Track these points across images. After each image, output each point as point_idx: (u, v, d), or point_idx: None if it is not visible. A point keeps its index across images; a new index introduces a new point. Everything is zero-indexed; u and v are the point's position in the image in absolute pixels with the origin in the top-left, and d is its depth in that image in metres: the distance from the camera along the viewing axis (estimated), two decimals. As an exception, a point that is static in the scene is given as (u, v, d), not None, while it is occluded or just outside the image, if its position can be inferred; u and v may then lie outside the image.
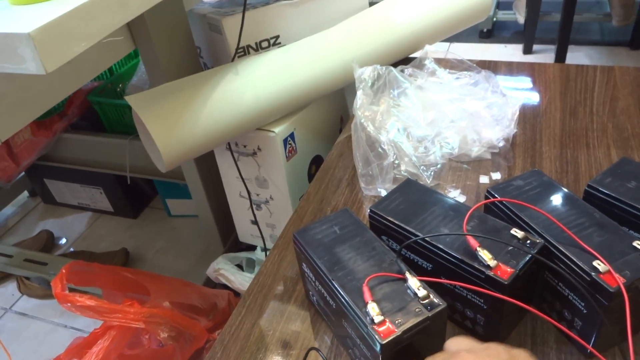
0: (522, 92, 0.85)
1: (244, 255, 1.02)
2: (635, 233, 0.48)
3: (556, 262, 0.44)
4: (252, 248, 1.07)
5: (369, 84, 0.71)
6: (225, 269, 0.94)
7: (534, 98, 0.83)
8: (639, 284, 0.42)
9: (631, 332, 0.38)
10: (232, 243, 1.17)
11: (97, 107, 1.27)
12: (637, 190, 0.48)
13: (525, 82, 0.88)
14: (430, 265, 0.48)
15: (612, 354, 0.46)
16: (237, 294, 0.99)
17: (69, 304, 0.63)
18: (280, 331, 0.53)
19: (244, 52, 0.88)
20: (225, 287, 1.02)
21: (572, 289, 0.44)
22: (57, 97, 0.79)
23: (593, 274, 0.41)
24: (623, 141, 0.71)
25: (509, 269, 0.43)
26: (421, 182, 0.67)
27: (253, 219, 0.97)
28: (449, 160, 0.71)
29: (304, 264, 0.51)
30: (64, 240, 1.51)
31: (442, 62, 0.82)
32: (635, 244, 0.43)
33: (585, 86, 0.84)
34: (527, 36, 1.98)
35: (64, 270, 0.68)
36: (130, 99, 0.74)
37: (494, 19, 2.17)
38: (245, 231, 1.02)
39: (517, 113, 0.73)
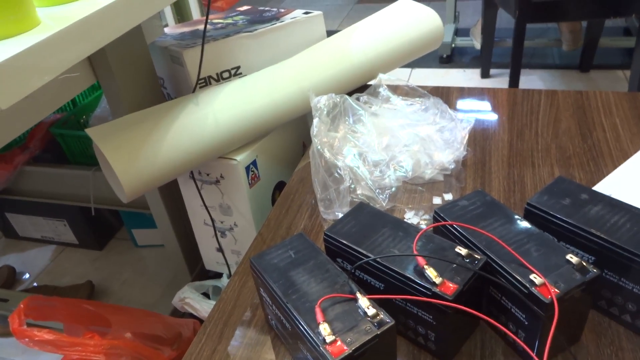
0: (473, 116, 0.89)
1: (210, 283, 1.02)
2: (571, 246, 0.51)
3: (498, 277, 0.47)
4: (219, 276, 1.07)
5: (325, 112, 0.74)
6: (190, 298, 0.94)
7: (484, 121, 0.87)
8: (575, 294, 0.45)
9: (567, 340, 0.41)
10: (199, 271, 1.17)
11: (60, 139, 1.27)
12: (571, 206, 0.52)
13: (476, 106, 0.93)
14: (382, 285, 0.50)
15: (554, 362, 0.48)
16: (203, 322, 0.99)
17: (26, 340, 0.62)
18: (240, 356, 0.53)
19: (205, 82, 0.90)
20: (193, 316, 1.01)
21: (513, 302, 0.47)
22: (16, 131, 0.79)
23: (529, 286, 0.44)
24: (565, 160, 0.75)
25: (453, 285, 0.45)
26: (377, 205, 0.70)
27: (218, 246, 0.97)
28: (403, 183, 0.74)
29: (261, 288, 0.52)
30: (27, 275, 1.47)
31: (396, 90, 0.86)
32: (568, 257, 0.46)
33: (531, 109, 0.89)
34: (483, 61, 2.07)
35: (22, 306, 0.67)
36: (90, 131, 0.75)
37: (453, 45, 2.26)
38: (211, 259, 1.03)
39: (467, 136, 0.76)
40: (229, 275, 1.00)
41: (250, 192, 0.88)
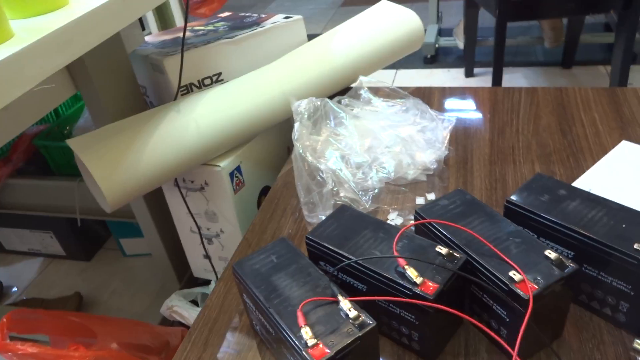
0: (454, 116, 0.89)
1: (198, 290, 1.01)
2: (551, 242, 0.52)
3: (478, 275, 0.47)
4: (208, 283, 1.07)
5: (306, 116, 0.74)
6: (178, 306, 0.93)
7: (465, 120, 0.88)
8: (554, 288, 0.45)
9: (549, 336, 0.41)
10: (188, 279, 1.16)
11: (44, 151, 1.26)
12: (549, 203, 0.52)
13: (458, 105, 0.94)
14: (365, 287, 0.50)
15: (537, 357, 0.49)
16: (192, 330, 0.98)
17: (9, 354, 0.61)
18: (225, 363, 0.53)
19: (187, 90, 0.89)
20: (182, 324, 1.01)
21: (494, 299, 0.47)
22: (-3, 144, 0.78)
23: (509, 283, 0.44)
24: (546, 156, 0.76)
25: (434, 285, 0.45)
26: (361, 207, 0.70)
27: (205, 253, 0.97)
28: (386, 184, 0.74)
29: (244, 294, 0.52)
30: (15, 289, 1.46)
31: (377, 92, 0.86)
32: (546, 253, 0.46)
33: (512, 107, 0.90)
34: (467, 61, 2.09)
35: (4, 319, 0.66)
36: (71, 142, 0.74)
37: (437, 46, 2.28)
38: (198, 266, 1.02)
39: (448, 136, 0.77)
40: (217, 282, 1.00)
41: (235, 198, 0.88)
